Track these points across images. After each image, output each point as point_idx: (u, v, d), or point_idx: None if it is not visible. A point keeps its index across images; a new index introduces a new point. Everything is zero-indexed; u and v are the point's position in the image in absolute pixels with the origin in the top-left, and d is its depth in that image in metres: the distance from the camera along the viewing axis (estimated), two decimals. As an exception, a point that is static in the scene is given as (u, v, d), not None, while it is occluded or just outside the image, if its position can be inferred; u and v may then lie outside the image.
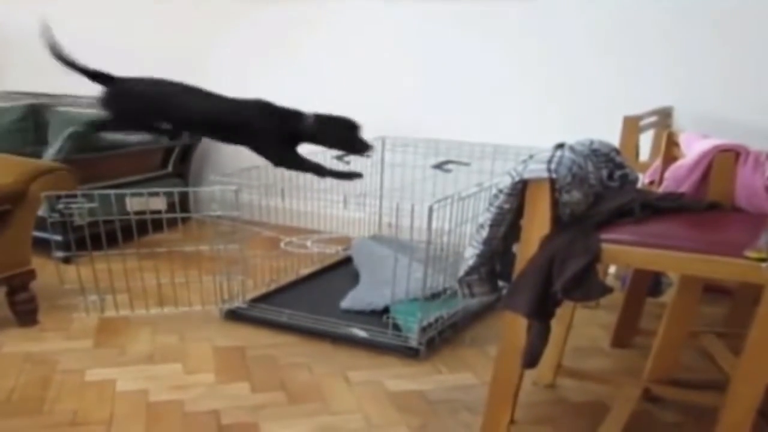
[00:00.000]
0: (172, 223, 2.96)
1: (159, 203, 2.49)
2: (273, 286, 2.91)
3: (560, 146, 1.70)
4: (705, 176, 1.87)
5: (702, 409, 2.03)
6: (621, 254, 1.69)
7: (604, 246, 1.67)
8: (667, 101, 2.81)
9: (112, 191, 2.54)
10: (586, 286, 1.65)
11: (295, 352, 2.42)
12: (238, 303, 2.67)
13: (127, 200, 2.49)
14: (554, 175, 1.61)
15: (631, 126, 2.43)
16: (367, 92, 3.51)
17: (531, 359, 1.77)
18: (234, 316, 2.66)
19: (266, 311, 2.63)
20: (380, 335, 2.43)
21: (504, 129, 2.77)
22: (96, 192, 2.57)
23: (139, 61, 3.63)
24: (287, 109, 2.79)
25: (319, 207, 3.20)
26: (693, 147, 1.88)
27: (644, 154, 2.59)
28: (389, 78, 3.49)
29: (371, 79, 3.54)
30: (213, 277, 2.69)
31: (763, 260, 1.37)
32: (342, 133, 2.74)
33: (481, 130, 3.02)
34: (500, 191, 1.69)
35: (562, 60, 3.08)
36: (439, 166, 2.44)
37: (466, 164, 2.35)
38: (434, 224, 2.27)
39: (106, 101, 2.78)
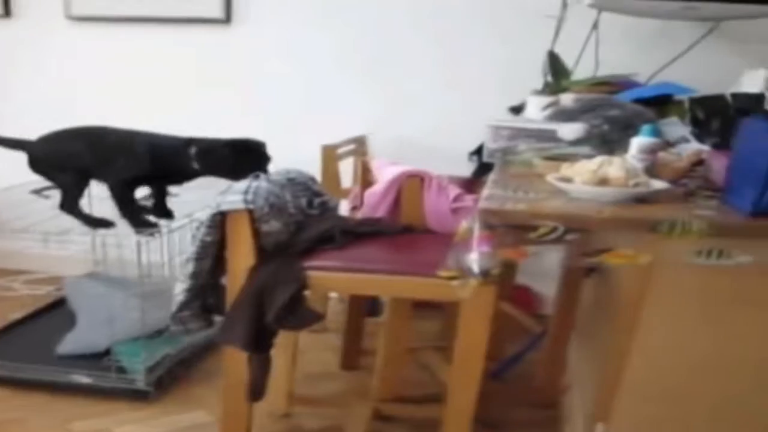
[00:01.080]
0: None
1: None
2: (-23, 336, 2.60)
3: (257, 176, 1.68)
4: (397, 201, 1.95)
5: (429, 422, 2.06)
6: (326, 281, 1.72)
7: (309, 273, 1.69)
8: (362, 130, 2.93)
9: None
10: (298, 314, 1.67)
11: (9, 407, 2.20)
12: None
13: None
14: (251, 206, 1.60)
15: (329, 154, 2.50)
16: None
17: (256, 392, 1.75)
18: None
19: (-29, 364, 2.34)
20: (104, 379, 2.26)
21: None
22: None
23: None
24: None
25: (22, 246, 2.90)
26: (384, 173, 1.95)
27: (348, 181, 2.65)
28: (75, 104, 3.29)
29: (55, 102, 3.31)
30: None
31: (453, 278, 1.41)
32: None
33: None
34: (201, 223, 1.63)
35: (264, 89, 3.11)
36: (144, 200, 2.32)
37: (175, 195, 2.26)
38: (147, 258, 2.16)
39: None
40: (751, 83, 1.89)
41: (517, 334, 2.67)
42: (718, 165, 1.48)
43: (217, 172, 2.17)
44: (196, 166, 2.17)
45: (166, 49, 3.20)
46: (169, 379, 2.34)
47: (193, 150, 2.16)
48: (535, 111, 2.06)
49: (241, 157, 2.14)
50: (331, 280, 1.71)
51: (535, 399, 2.29)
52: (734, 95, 1.79)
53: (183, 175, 2.26)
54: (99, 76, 3.31)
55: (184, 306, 1.79)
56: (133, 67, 3.25)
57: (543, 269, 2.82)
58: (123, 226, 2.26)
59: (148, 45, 3.22)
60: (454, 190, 1.91)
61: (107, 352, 2.34)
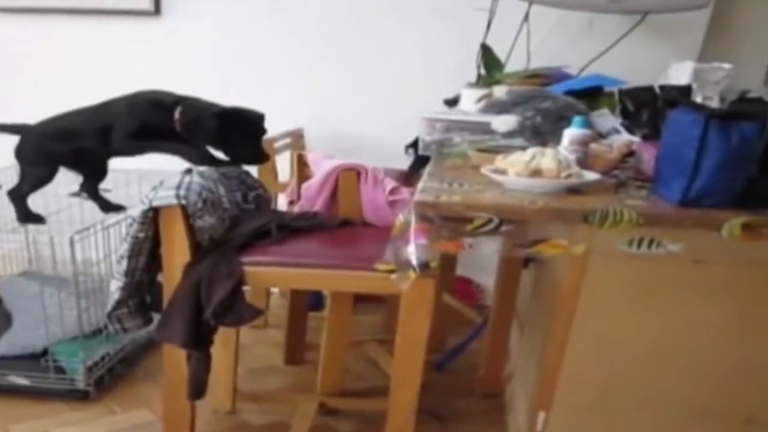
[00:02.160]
0: None
1: None
2: None
3: (188, 171, 1.62)
4: (334, 194, 1.92)
5: (375, 415, 2.03)
6: (264, 276, 1.68)
7: (247, 269, 1.65)
8: (299, 123, 2.89)
9: None
10: (236, 310, 1.62)
11: (-59, 414, 2.09)
12: None
13: None
14: (184, 201, 1.55)
15: (266, 147, 2.40)
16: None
17: (197, 390, 1.70)
18: None
19: None
20: (43, 380, 2.18)
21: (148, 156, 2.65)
22: None
23: None
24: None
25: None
26: (320, 167, 1.92)
27: (285, 175, 2.64)
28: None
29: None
30: None
31: (391, 272, 1.38)
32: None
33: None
34: (134, 220, 1.57)
35: (196, 82, 3.01)
36: (78, 194, 2.22)
37: (108, 191, 2.18)
38: (82, 255, 2.08)
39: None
40: (678, 75, 1.91)
41: (459, 325, 2.66)
42: (648, 156, 1.49)
43: (200, 142, 1.91)
44: (178, 129, 1.92)
45: (94, 41, 3.08)
46: (110, 379, 2.27)
47: (176, 113, 1.90)
48: (469, 103, 2.05)
49: (231, 128, 1.88)
50: (269, 275, 1.67)
51: (479, 389, 2.29)
52: (662, 87, 1.81)
53: (172, 136, 1.96)
54: (24, 69, 3.18)
55: (119, 304, 1.73)
56: (60, 60, 3.13)
57: (483, 261, 2.83)
58: (55, 223, 2.18)
59: (75, 37, 3.09)
60: (390, 183, 1.89)
61: (45, 353, 2.25)
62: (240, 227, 1.74)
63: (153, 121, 1.91)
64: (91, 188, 2.19)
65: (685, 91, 1.76)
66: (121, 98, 1.99)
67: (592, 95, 2.02)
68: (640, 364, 1.39)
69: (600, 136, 1.77)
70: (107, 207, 2.18)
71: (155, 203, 1.56)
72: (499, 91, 2.01)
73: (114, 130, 1.94)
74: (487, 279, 2.86)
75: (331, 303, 2.05)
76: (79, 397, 2.17)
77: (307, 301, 2.40)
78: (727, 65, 1.86)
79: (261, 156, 1.93)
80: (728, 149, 1.22)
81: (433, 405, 2.17)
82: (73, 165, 2.13)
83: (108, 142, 1.96)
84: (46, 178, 2.09)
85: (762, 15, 2.62)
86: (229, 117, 1.87)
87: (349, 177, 1.90)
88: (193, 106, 1.91)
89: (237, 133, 1.88)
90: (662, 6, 2.35)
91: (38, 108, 2.45)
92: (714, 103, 1.72)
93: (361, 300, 2.85)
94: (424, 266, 1.34)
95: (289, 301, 2.37)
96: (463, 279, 2.97)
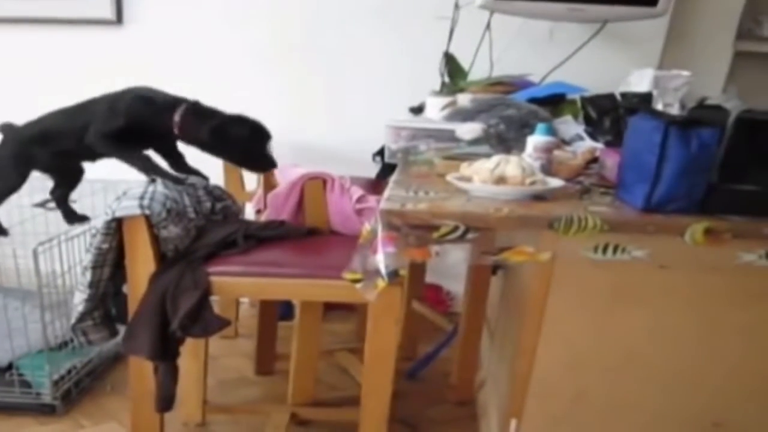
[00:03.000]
0: None
1: None
2: None
3: (152, 181, 1.59)
4: (300, 203, 1.90)
5: (347, 424, 1.99)
6: (230, 286, 1.65)
7: (213, 279, 1.62)
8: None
9: None
10: (203, 321, 1.59)
11: None
12: None
13: None
14: (147, 212, 1.51)
15: None
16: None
17: (165, 402, 1.66)
18: None
19: None
20: (8, 395, 2.11)
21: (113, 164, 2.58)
22: None
23: None
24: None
25: None
26: (286, 175, 1.89)
27: (252, 184, 2.60)
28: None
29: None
30: None
31: (357, 281, 1.36)
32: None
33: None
34: (98, 231, 1.54)
35: None
36: (41, 205, 2.17)
37: (73, 201, 2.13)
38: (46, 267, 2.02)
39: None
40: (639, 82, 1.92)
41: (430, 333, 2.63)
42: (611, 162, 1.48)
43: (223, 151, 1.82)
44: (176, 131, 1.80)
45: (56, 50, 3.00)
46: (77, 392, 2.21)
47: (177, 115, 1.78)
48: (434, 111, 2.03)
49: (238, 137, 1.77)
50: (236, 285, 1.64)
51: (451, 397, 2.27)
52: (623, 94, 1.81)
53: (162, 137, 1.86)
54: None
55: (84, 316, 1.69)
56: (21, 70, 3.04)
57: (452, 268, 2.82)
58: (18, 235, 2.12)
59: (36, 46, 3.02)
60: (357, 192, 1.86)
61: (10, 367, 2.18)
62: (206, 237, 1.71)
63: (143, 119, 1.80)
64: (61, 196, 2.09)
65: (646, 98, 1.77)
66: (107, 95, 1.89)
67: (554, 103, 2.02)
68: (609, 370, 1.38)
69: (564, 143, 1.77)
70: (72, 218, 2.10)
71: (118, 213, 1.53)
72: (463, 99, 2.00)
73: (90, 126, 1.81)
74: (457, 286, 2.84)
75: (301, 312, 2.02)
76: (46, 411, 2.11)
77: (276, 311, 2.36)
78: (686, 72, 1.87)
79: (272, 162, 1.85)
80: (688, 155, 1.23)
81: (405, 414, 2.15)
82: (50, 169, 2.03)
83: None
84: (17, 185, 1.99)
85: (719, 23, 2.65)
86: (230, 126, 1.79)
87: (315, 186, 1.88)
88: (203, 112, 1.82)
89: (250, 140, 1.80)
90: (620, 15, 2.36)
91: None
92: (674, 110, 1.73)
93: (331, 308, 2.83)
94: (393, 275, 1.32)
95: (258, 310, 2.32)
96: (433, 286, 2.95)
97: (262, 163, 1.85)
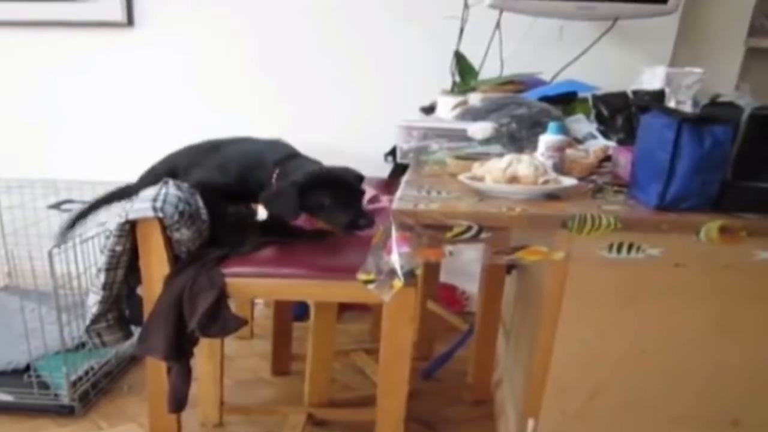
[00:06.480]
0: None
1: None
2: None
3: (165, 183, 1.58)
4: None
5: (364, 425, 1.97)
6: (246, 287, 1.64)
7: (228, 280, 1.61)
8: (276, 133, 2.80)
9: None
10: (221, 321, 1.59)
11: (-75, 433, 2.03)
12: None
13: None
14: (160, 214, 1.50)
15: None
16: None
17: (176, 403, 1.66)
18: None
19: None
20: (27, 396, 2.12)
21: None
22: None
23: None
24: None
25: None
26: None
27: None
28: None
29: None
30: None
31: (370, 282, 1.35)
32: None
33: (94, 167, 2.77)
34: (111, 233, 1.53)
35: (171, 92, 3.00)
36: (56, 206, 2.16)
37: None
38: (62, 269, 2.02)
39: None
40: (651, 80, 1.89)
41: (445, 332, 2.62)
42: (624, 160, 1.47)
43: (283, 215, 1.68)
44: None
45: (67, 53, 3.02)
46: (95, 393, 2.22)
47: (274, 175, 1.68)
48: (445, 111, 2.02)
49: (321, 193, 1.60)
50: (251, 286, 1.63)
51: (468, 396, 2.26)
52: (635, 92, 1.79)
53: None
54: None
55: (98, 318, 1.69)
56: (34, 73, 3.06)
57: (466, 267, 2.80)
58: (34, 236, 2.12)
59: (48, 49, 3.03)
60: (369, 192, 1.85)
61: (28, 368, 2.19)
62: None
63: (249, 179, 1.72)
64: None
65: (659, 95, 1.75)
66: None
67: (566, 101, 2.00)
68: (625, 369, 1.37)
69: (576, 141, 1.75)
70: None
71: (131, 216, 1.53)
72: (474, 99, 1.99)
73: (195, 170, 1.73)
74: (472, 285, 2.82)
75: (315, 313, 2.00)
76: (65, 412, 2.11)
77: (291, 312, 2.35)
78: (698, 69, 1.85)
79: (362, 220, 1.62)
80: (701, 153, 1.21)
81: (422, 413, 2.13)
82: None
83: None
84: None
85: (730, 20, 2.63)
86: (318, 181, 1.63)
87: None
88: (288, 173, 1.67)
89: (329, 196, 1.62)
90: (630, 13, 2.34)
91: (15, 120, 2.40)
92: (687, 108, 1.71)
93: (346, 308, 2.82)
94: (409, 275, 1.31)
95: (273, 311, 2.32)
96: (447, 286, 2.93)
97: (351, 226, 1.63)
